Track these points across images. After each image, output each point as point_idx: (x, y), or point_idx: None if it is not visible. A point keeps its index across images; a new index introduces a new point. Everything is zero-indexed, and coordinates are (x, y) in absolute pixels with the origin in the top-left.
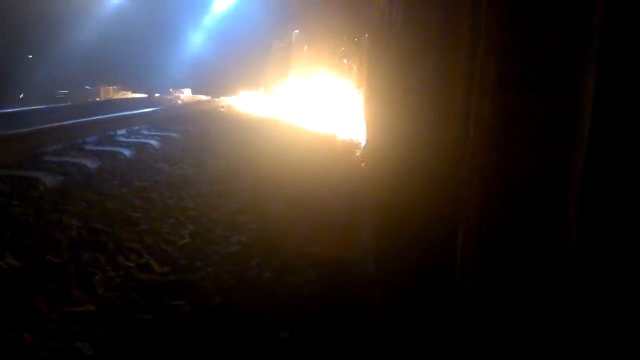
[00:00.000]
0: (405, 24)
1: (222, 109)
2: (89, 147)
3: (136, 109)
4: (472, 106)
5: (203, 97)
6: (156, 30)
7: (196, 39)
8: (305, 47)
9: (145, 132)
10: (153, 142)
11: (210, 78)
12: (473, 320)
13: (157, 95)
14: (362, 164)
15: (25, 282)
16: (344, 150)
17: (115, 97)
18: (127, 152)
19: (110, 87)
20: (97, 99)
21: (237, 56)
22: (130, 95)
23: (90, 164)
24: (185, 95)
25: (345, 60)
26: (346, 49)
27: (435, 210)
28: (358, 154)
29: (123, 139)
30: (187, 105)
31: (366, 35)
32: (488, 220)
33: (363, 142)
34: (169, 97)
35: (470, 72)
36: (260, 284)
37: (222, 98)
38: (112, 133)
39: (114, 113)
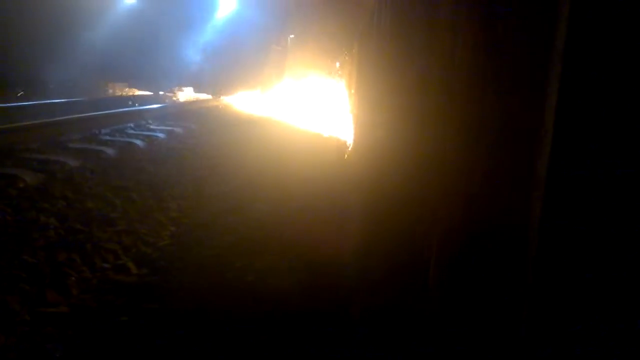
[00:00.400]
0: (392, 28)
1: (220, 107)
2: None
3: (144, 105)
4: (446, 108)
5: (203, 96)
6: (163, 33)
7: (199, 42)
8: (300, 50)
9: (153, 127)
10: (161, 135)
11: (211, 78)
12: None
13: (161, 92)
14: (349, 163)
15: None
16: (333, 149)
17: (122, 94)
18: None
19: (118, 84)
20: (109, 95)
21: (237, 58)
22: (137, 92)
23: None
24: (188, 93)
25: (337, 64)
26: (337, 52)
27: (411, 211)
28: (346, 154)
29: (132, 132)
30: (189, 103)
31: (356, 40)
32: (458, 228)
33: (350, 142)
34: (172, 94)
35: (445, 77)
36: (241, 287)
37: (221, 97)
38: (122, 126)
39: (123, 108)
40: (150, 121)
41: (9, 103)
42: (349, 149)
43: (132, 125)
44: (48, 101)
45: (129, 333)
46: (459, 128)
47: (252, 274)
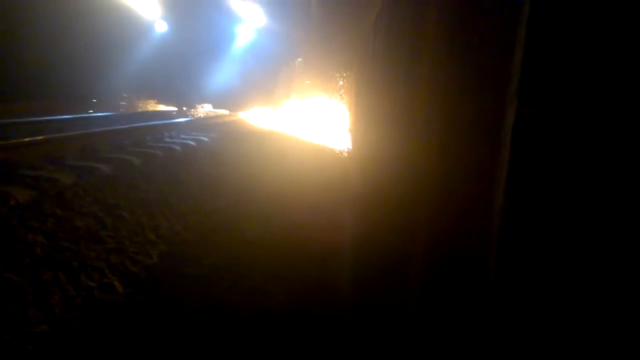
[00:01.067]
0: (384, 53)
1: (236, 121)
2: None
3: (174, 119)
4: (430, 118)
5: (221, 111)
6: (187, 57)
7: (219, 64)
8: (305, 73)
9: (183, 136)
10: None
11: (228, 96)
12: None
13: (184, 108)
14: (346, 169)
15: None
16: (331, 162)
17: (150, 109)
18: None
19: (149, 100)
20: (138, 110)
21: (252, 78)
22: (165, 107)
23: (136, 160)
24: (207, 109)
25: (340, 82)
26: (338, 74)
27: (400, 216)
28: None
29: (169, 140)
30: (209, 117)
31: (354, 62)
32: (435, 232)
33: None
34: (194, 110)
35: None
36: (228, 308)
37: (237, 113)
38: (159, 135)
39: (159, 121)
40: (182, 131)
41: (81, 114)
42: (347, 154)
43: (167, 134)
44: (101, 114)
45: (110, 354)
46: (440, 135)
47: (239, 294)
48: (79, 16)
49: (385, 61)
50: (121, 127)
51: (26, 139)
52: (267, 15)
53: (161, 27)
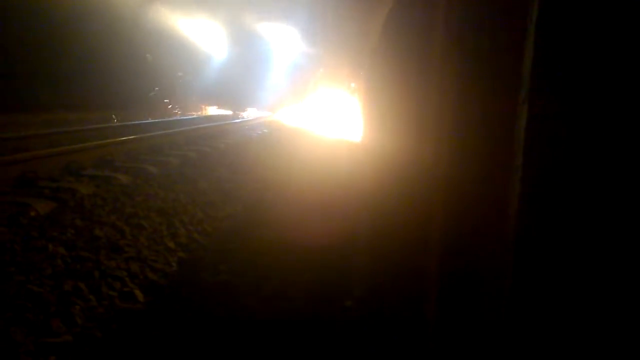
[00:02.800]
0: (394, 55)
1: (274, 119)
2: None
3: (234, 120)
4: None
5: (263, 113)
6: (239, 74)
7: (262, 78)
8: (327, 78)
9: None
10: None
11: (269, 100)
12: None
13: (236, 112)
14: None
15: (4, 312)
16: (345, 147)
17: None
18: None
19: (211, 106)
20: (200, 114)
21: (289, 86)
22: (223, 111)
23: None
24: (252, 111)
25: (352, 85)
26: (353, 74)
27: (409, 217)
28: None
29: (233, 135)
30: (254, 118)
31: (363, 67)
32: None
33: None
34: (242, 111)
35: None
36: (246, 313)
37: (275, 113)
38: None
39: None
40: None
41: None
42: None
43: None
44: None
45: None
46: (451, 137)
47: (257, 299)
48: (168, 51)
49: (395, 63)
50: (206, 124)
51: (172, 130)
52: (300, 39)
53: (221, 55)
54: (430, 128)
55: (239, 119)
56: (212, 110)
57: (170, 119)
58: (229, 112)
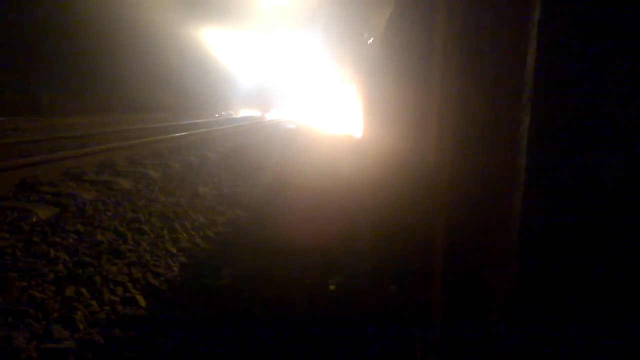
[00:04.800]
0: (396, 57)
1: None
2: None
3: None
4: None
5: (283, 116)
6: (265, 89)
7: (282, 89)
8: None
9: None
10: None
11: (284, 105)
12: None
13: (264, 113)
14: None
15: (5, 318)
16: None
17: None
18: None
19: (245, 109)
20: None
21: (303, 96)
22: (253, 113)
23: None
24: (275, 114)
25: (354, 87)
26: (350, 82)
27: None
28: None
29: (267, 129)
30: (277, 120)
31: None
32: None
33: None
34: (267, 114)
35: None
36: (248, 318)
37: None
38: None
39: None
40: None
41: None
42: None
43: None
44: (238, 117)
45: None
46: (453, 140)
47: (258, 303)
48: (216, 73)
49: (396, 66)
50: (244, 123)
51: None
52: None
53: (251, 78)
54: (432, 129)
55: (266, 119)
56: (246, 112)
57: (231, 118)
58: (258, 114)
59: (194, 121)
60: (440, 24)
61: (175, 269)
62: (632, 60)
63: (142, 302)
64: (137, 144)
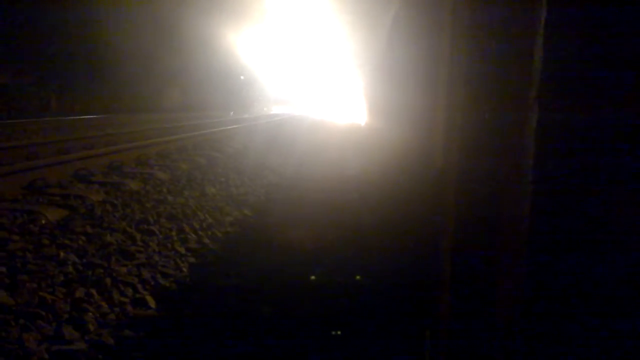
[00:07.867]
0: (403, 56)
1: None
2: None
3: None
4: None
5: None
6: (290, 91)
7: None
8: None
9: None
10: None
11: (307, 103)
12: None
13: (291, 110)
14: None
15: (17, 320)
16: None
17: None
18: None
19: (269, 106)
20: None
21: (320, 95)
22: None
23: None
24: (299, 109)
25: (362, 85)
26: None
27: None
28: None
29: (294, 122)
30: (300, 114)
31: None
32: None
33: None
34: (294, 110)
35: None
36: (257, 319)
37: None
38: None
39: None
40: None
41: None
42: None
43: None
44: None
45: None
46: (461, 138)
47: (267, 304)
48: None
49: (404, 64)
50: (270, 119)
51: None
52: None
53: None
54: (440, 130)
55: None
56: (277, 109)
57: (265, 114)
58: (286, 111)
59: (242, 117)
60: (446, 23)
61: (184, 269)
62: (638, 60)
63: (152, 302)
64: (206, 133)
